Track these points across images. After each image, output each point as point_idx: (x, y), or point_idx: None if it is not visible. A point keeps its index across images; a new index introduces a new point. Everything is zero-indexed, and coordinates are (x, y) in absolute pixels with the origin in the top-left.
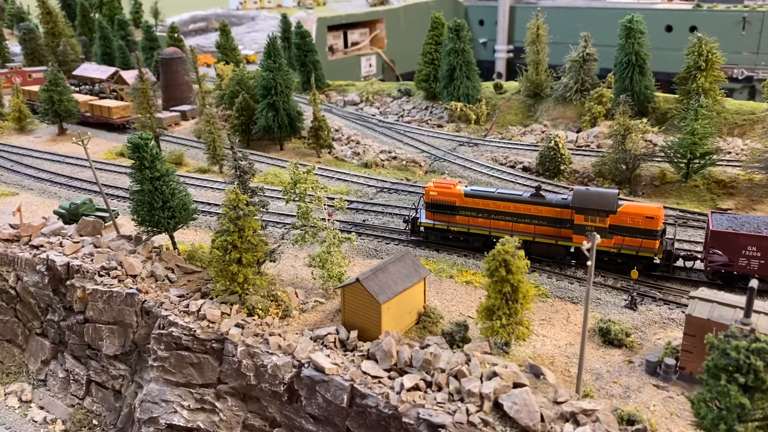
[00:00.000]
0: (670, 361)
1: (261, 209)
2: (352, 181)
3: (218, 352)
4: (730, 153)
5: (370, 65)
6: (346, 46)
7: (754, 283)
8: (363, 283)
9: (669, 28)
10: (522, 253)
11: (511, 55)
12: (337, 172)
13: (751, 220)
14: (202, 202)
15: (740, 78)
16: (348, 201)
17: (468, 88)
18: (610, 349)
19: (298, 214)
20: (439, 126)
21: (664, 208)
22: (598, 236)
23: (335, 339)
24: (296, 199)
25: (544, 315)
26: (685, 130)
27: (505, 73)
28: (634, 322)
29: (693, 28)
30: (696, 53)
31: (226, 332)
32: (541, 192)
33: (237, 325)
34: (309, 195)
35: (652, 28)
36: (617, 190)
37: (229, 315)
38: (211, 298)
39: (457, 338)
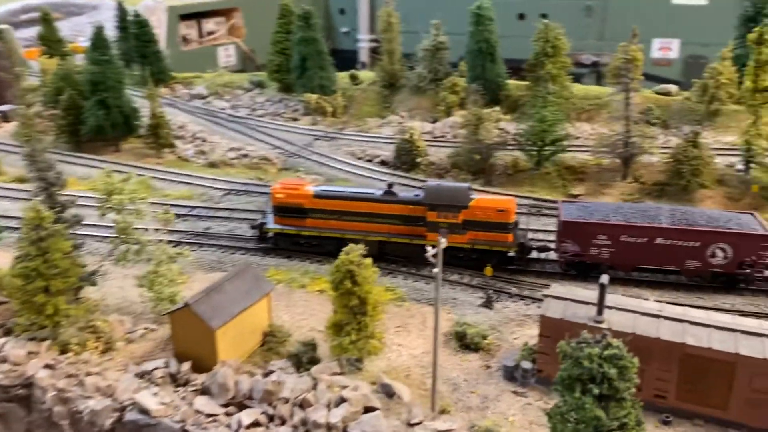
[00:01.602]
0: (528, 365)
1: (75, 225)
2: (196, 184)
3: (25, 400)
4: (578, 138)
5: (229, 56)
6: (201, 36)
7: (604, 279)
8: (193, 308)
9: (521, 16)
10: (369, 261)
11: (375, 44)
12: (180, 174)
13: (601, 207)
14: (15, 217)
15: (588, 64)
16: (189, 207)
17: (322, 79)
18: (467, 354)
19: (116, 230)
20: (294, 119)
21: (518, 196)
22: (444, 241)
23: (165, 373)
24: (112, 213)
25: (400, 321)
26: (534, 117)
27: (370, 63)
28: (491, 321)
29: (544, 16)
30: (543, 40)
31: (33, 375)
32: (394, 190)
33: (47, 366)
34: (129, 207)
35: (505, 16)
36: (468, 184)
37: (37, 354)
38: (17, 335)
39: (304, 360)
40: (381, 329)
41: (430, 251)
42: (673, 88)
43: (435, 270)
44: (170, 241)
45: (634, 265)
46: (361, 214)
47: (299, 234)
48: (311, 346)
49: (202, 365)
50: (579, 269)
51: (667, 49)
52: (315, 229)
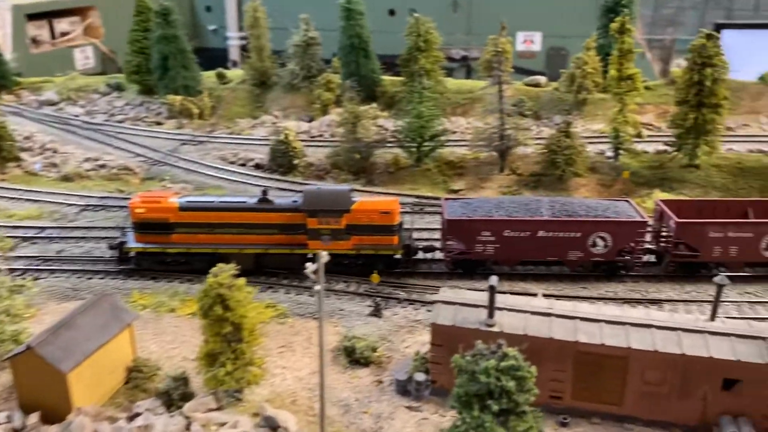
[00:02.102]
0: (421, 377)
1: None
2: (46, 201)
3: None
4: (455, 133)
5: (87, 58)
6: (53, 37)
7: (493, 280)
8: (37, 350)
9: (392, 12)
10: (242, 281)
11: (245, 42)
12: (27, 191)
13: (483, 203)
14: None
15: (458, 58)
16: (38, 228)
17: (186, 79)
18: (357, 370)
19: None
20: (158, 124)
21: (401, 195)
22: (325, 255)
23: (7, 429)
24: None
25: (283, 340)
26: (411, 113)
27: (241, 61)
28: (381, 331)
29: (413, 11)
30: (415, 34)
31: None
32: (269, 196)
33: None
34: None
35: (376, 12)
36: (350, 186)
37: None
38: None
39: (175, 397)
40: (261, 354)
41: (309, 267)
42: (542, 79)
43: (317, 287)
44: (13, 270)
45: (519, 259)
46: (233, 225)
47: (165, 252)
48: (183, 380)
49: (54, 415)
50: (465, 267)
51: (530, 42)
52: (182, 245)
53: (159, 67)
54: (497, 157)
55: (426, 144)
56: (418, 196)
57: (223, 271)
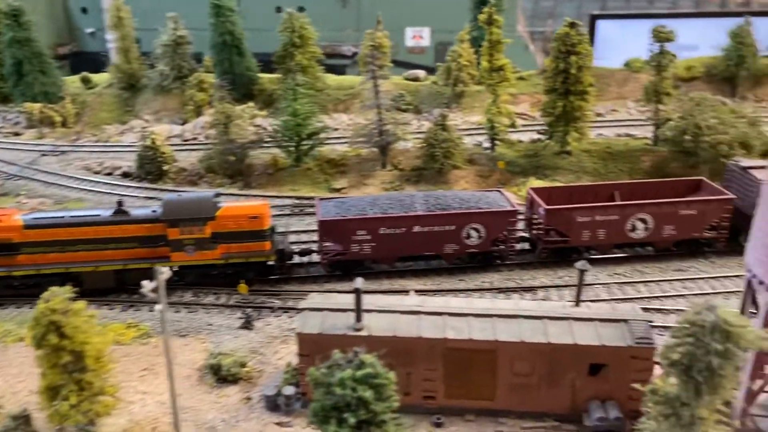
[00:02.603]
0: (290, 390)
1: None
2: None
3: None
4: (337, 130)
5: None
6: None
7: (358, 282)
8: None
9: (279, 9)
10: (80, 305)
11: None
12: None
13: (357, 202)
14: None
15: (349, 55)
16: None
17: (45, 85)
18: (225, 388)
19: None
20: (16, 134)
21: (280, 197)
22: (166, 271)
23: None
24: None
25: (146, 362)
26: (287, 111)
27: None
28: (252, 344)
29: (301, 8)
30: (289, 30)
31: None
32: (125, 208)
33: None
34: None
35: (262, 9)
36: (215, 192)
37: None
38: None
39: None
40: (120, 379)
41: (146, 286)
42: (421, 73)
43: (158, 307)
44: None
45: (397, 256)
46: (87, 241)
47: (10, 275)
48: (24, 418)
49: None
50: (343, 269)
51: (419, 37)
52: (31, 266)
53: (13, 72)
54: (378, 153)
55: (304, 143)
56: (297, 197)
57: (56, 296)
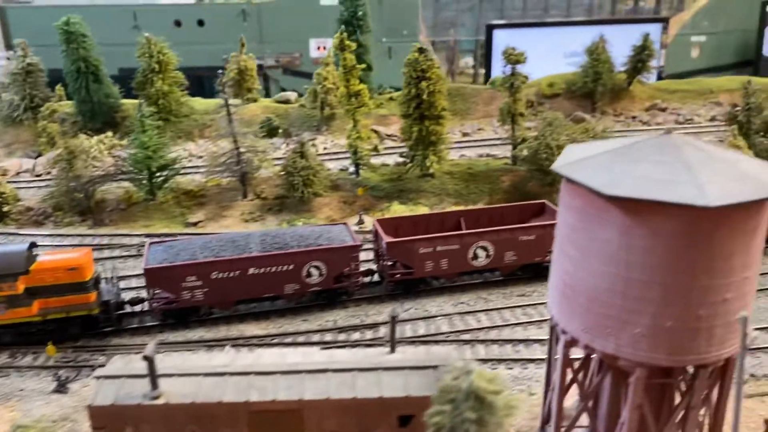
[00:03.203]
0: None
1: None
2: None
3: None
4: (202, 157)
5: None
6: None
7: (149, 349)
8: None
9: (178, 23)
10: None
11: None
12: None
13: (188, 245)
14: None
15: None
16: None
17: None
18: None
19: None
20: None
21: (132, 235)
22: None
23: None
24: None
25: None
26: (135, 143)
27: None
28: (65, 409)
29: (201, 22)
30: (147, 55)
31: None
32: None
33: None
34: None
35: (160, 24)
36: (30, 243)
37: None
38: None
39: None
40: None
41: None
42: (292, 95)
43: None
44: None
45: (234, 300)
46: None
47: None
48: None
49: None
50: (177, 317)
51: (323, 48)
52: None
53: None
54: (239, 183)
55: (159, 174)
56: (149, 235)
57: None
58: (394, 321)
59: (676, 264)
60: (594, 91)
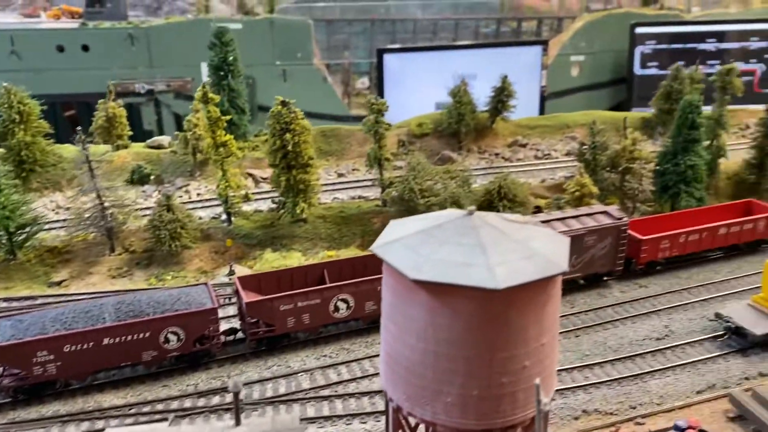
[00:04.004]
0: None
1: None
2: None
3: None
4: (69, 209)
5: None
6: None
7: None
8: None
9: (61, 49)
10: None
11: None
12: None
13: (39, 318)
14: None
15: (143, 92)
16: None
17: None
18: None
19: None
20: None
21: None
22: None
23: None
24: None
25: None
26: None
27: None
28: None
29: (85, 47)
30: (6, 106)
31: None
32: None
33: None
34: None
35: (41, 50)
36: None
37: None
38: None
39: None
40: None
41: None
42: (165, 139)
43: None
44: None
45: (90, 372)
46: None
47: None
48: None
49: None
50: (29, 392)
51: None
52: None
53: None
54: (105, 237)
55: (19, 232)
56: (7, 299)
57: None
58: (236, 396)
59: (477, 339)
60: (459, 131)
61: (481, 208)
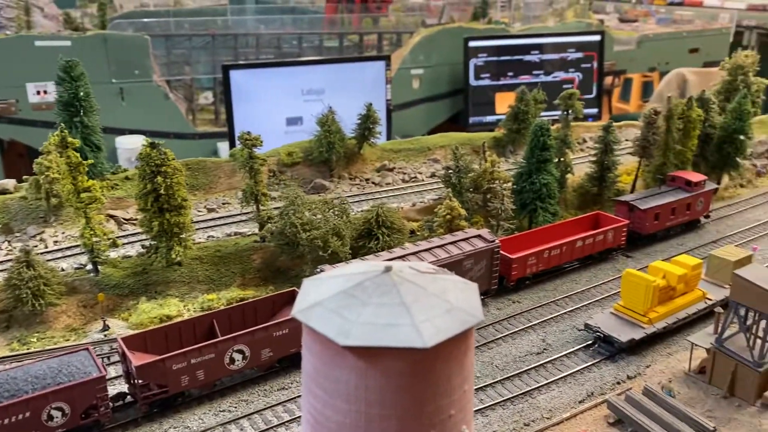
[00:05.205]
0: None
1: None
2: None
3: None
4: None
5: None
6: None
7: None
8: None
9: None
10: None
11: None
12: None
13: None
14: None
15: None
16: None
17: None
18: None
19: None
20: None
21: None
22: None
23: None
24: None
25: None
26: None
27: None
28: None
29: None
30: None
31: None
32: None
33: None
34: None
35: None
36: None
37: None
38: None
39: None
40: None
41: None
42: (10, 183)
43: None
44: None
45: None
46: None
47: None
48: None
49: None
50: None
51: (44, 92)
52: None
53: None
54: None
55: None
56: None
57: None
58: None
59: (408, 397)
60: (330, 159)
61: (361, 236)
